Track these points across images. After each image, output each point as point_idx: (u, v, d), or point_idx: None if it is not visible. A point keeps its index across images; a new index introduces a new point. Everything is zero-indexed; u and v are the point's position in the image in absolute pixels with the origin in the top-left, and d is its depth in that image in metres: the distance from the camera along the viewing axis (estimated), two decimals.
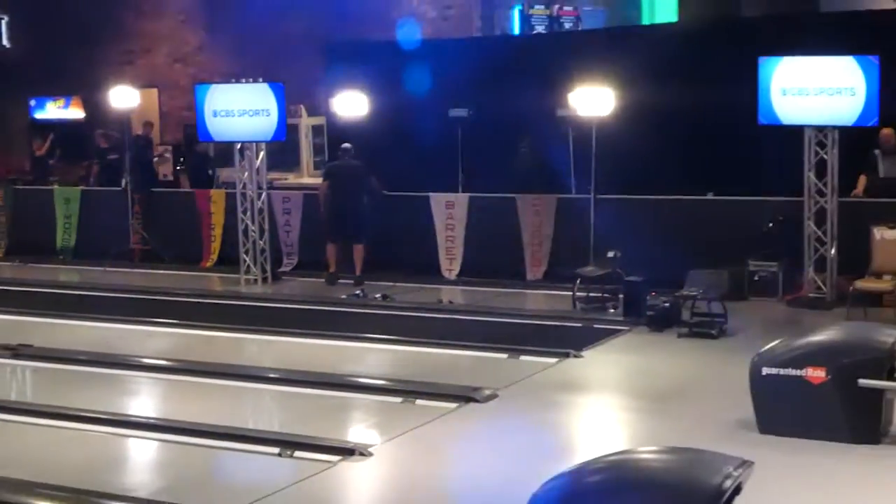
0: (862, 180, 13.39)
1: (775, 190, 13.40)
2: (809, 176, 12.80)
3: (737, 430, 8.32)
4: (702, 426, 8.43)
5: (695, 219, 13.73)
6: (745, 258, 13.11)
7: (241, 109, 15.04)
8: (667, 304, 11.75)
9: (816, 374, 8.08)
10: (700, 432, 8.10)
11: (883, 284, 11.76)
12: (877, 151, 13.39)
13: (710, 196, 14.38)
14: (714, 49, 15.78)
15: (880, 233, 12.03)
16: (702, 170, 14.88)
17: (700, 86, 15.14)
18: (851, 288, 11.89)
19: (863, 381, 7.97)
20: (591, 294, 13.04)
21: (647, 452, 6.06)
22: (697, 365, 10.60)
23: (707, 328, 11.46)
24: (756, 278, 13.05)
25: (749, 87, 12.89)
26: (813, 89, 12.59)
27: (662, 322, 11.69)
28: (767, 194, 13.50)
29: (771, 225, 13.23)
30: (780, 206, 13.28)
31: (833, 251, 12.67)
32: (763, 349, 8.45)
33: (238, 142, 15.32)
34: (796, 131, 12.86)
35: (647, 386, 10.08)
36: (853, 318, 11.10)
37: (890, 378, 8.09)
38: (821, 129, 12.75)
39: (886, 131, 13.16)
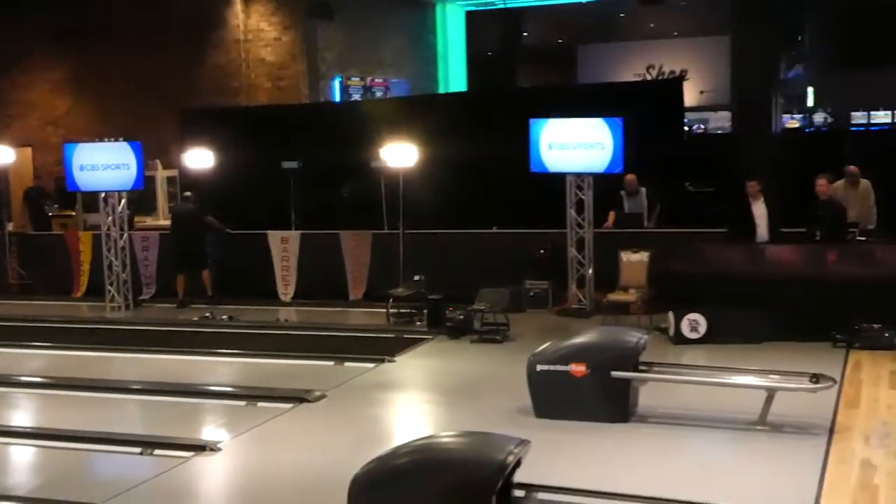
0: (611, 215, 13.79)
1: (545, 224, 13.69)
2: (571, 212, 13.11)
3: (518, 416, 8.45)
4: (490, 413, 8.53)
5: (482, 248, 13.90)
6: (523, 278, 13.32)
7: (104, 164, 14.51)
8: (462, 317, 11.86)
9: (579, 368, 8.30)
10: (489, 419, 8.18)
11: (629, 297, 12.11)
12: (622, 192, 13.81)
13: (494, 229, 14.61)
14: (495, 113, 16.13)
15: (626, 256, 12.41)
16: (488, 209, 15.14)
17: (485, 142, 15.48)
18: (605, 300, 12.22)
19: (615, 373, 8.22)
20: (402, 310, 13.04)
21: (446, 437, 6.11)
22: (486, 365, 10.70)
23: (493, 335, 11.61)
24: (531, 294, 13.28)
25: (523, 143, 13.14)
26: (572, 144, 12.91)
27: (459, 331, 11.80)
28: (539, 227, 13.77)
29: (542, 251, 13.53)
30: (550, 237, 13.55)
31: (590, 271, 12.99)
32: (537, 350, 8.61)
33: (102, 191, 14.79)
34: (560, 177, 13.17)
35: (447, 383, 10.14)
36: (607, 324, 11.39)
37: (636, 370, 8.37)
38: (579, 176, 13.08)
39: (630, 177, 13.60)
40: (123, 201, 14.89)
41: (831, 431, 7.82)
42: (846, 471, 7.00)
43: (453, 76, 25.84)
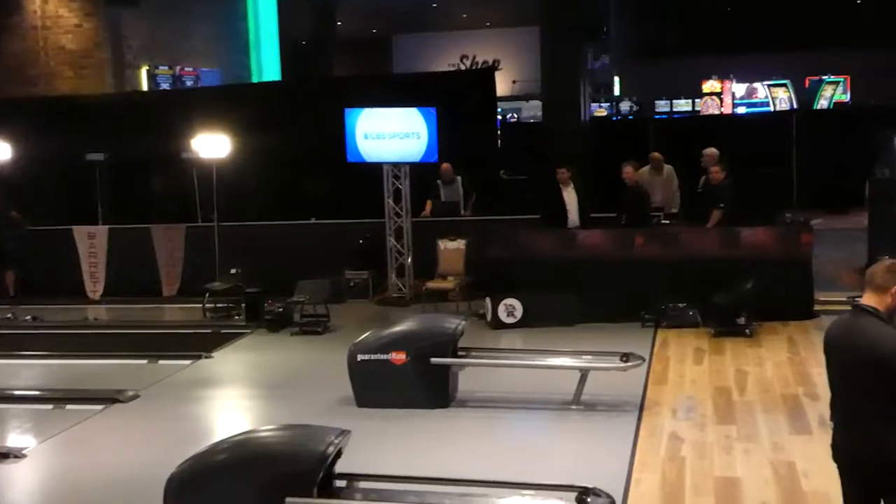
0: (428, 204, 13.93)
1: (363, 214, 13.70)
2: (388, 202, 13.17)
3: (339, 406, 8.44)
4: (311, 406, 8.48)
5: (301, 239, 13.76)
6: (343, 268, 13.30)
7: None
8: (281, 309, 11.73)
9: (399, 356, 8.36)
10: (309, 411, 8.13)
11: (447, 284, 12.29)
12: (439, 181, 13.97)
13: (312, 220, 14.51)
14: (311, 102, 15.98)
15: (443, 244, 12.58)
16: (306, 199, 15.03)
17: (301, 131, 15.34)
18: (424, 288, 12.35)
19: (434, 360, 8.33)
20: (219, 305, 12.79)
21: (266, 430, 6.04)
22: (307, 357, 10.64)
23: (314, 327, 11.54)
24: (352, 284, 13.27)
25: (339, 133, 13.09)
26: (388, 134, 12.95)
27: (278, 324, 11.67)
28: (357, 217, 13.77)
29: (361, 241, 13.54)
30: (368, 227, 13.57)
31: (409, 260, 13.09)
32: (357, 340, 8.62)
33: None
34: (377, 167, 13.20)
35: (267, 377, 10.02)
36: (427, 312, 11.52)
37: (454, 356, 8.50)
38: (396, 165, 13.16)
39: (445, 166, 13.76)
40: None
41: (641, 407, 8.18)
42: (655, 444, 7.33)
43: (266, 65, 25.46)
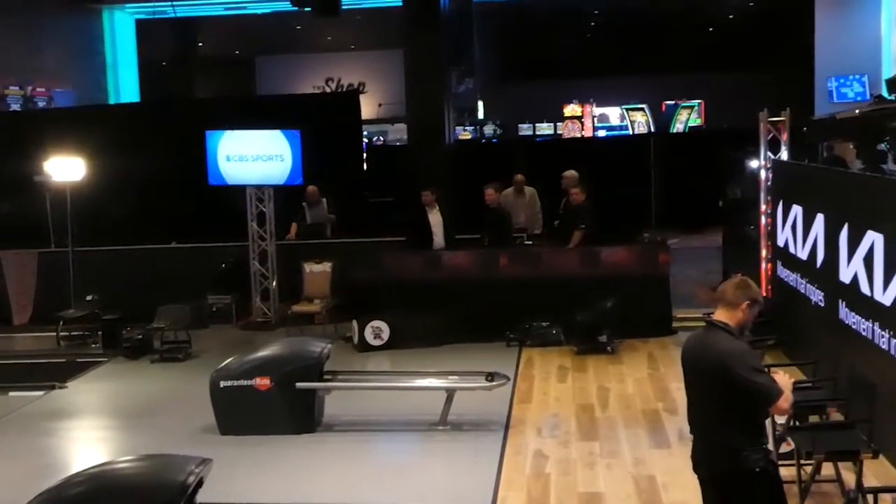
0: (294, 227, 13.80)
1: (226, 237, 13.48)
2: (252, 225, 13.01)
3: (202, 434, 8.26)
4: (172, 434, 8.27)
5: (161, 264, 13.42)
6: (205, 293, 13.04)
7: None
8: (140, 336, 11.42)
9: (263, 382, 8.24)
10: (170, 440, 7.94)
11: (313, 307, 12.17)
12: (304, 204, 13.84)
13: (173, 244, 14.18)
14: (171, 124, 15.66)
15: (309, 267, 12.46)
16: (166, 222, 14.68)
17: (161, 154, 14.98)
18: (289, 312, 12.21)
19: (300, 384, 8.24)
20: (74, 332, 12.34)
21: (123, 462, 5.84)
22: (168, 385, 10.37)
23: (175, 353, 11.28)
24: (214, 309, 13.01)
25: (200, 155, 12.86)
26: (251, 156, 12.80)
27: (137, 351, 11.35)
28: (220, 241, 13.53)
29: (224, 265, 13.31)
30: (231, 250, 13.35)
31: (274, 284, 12.94)
32: (220, 366, 8.46)
33: None
34: (240, 189, 13.02)
35: (125, 406, 9.72)
36: (292, 335, 11.38)
37: (320, 380, 8.43)
38: (259, 188, 13.01)
39: (311, 188, 13.65)
40: None
41: (507, 426, 8.27)
42: (521, 462, 7.43)
43: (125, 86, 24.83)
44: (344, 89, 30.73)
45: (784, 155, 11.01)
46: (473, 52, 27.64)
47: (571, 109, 28.28)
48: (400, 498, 6.63)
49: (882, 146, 9.89)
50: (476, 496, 6.72)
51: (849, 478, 6.08)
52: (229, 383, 8.27)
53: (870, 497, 5.35)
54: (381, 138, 28.79)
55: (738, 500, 4.69)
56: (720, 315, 4.75)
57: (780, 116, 11.10)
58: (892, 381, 6.68)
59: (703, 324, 4.90)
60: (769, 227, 10.98)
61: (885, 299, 6.84)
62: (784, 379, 4.71)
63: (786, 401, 4.58)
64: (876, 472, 6.48)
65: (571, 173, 12.50)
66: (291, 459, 7.74)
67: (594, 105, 28.19)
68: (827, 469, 6.22)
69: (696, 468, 4.88)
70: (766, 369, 4.89)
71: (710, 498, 4.87)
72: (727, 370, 4.56)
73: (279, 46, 30.99)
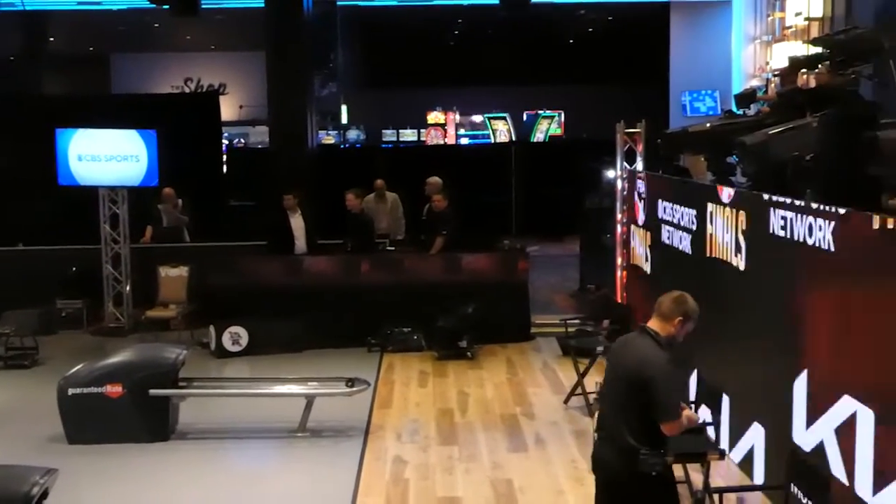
0: (149, 230, 13.45)
1: (77, 240, 13.03)
2: (105, 227, 12.62)
3: (48, 444, 7.95)
4: (16, 444, 7.93)
5: (6, 266, 12.87)
6: (54, 298, 12.57)
7: None
8: None
9: (115, 389, 8.01)
10: (14, 450, 7.60)
11: (168, 313, 11.88)
12: (160, 206, 13.53)
13: (20, 246, 13.62)
14: (18, 121, 15.05)
15: (165, 271, 12.17)
16: (11, 224, 14.09)
17: (6, 152, 14.41)
18: (143, 317, 11.89)
19: (153, 391, 8.04)
20: None
21: None
22: (13, 393, 9.92)
23: (21, 360, 10.81)
24: (64, 314, 12.55)
25: (50, 154, 12.39)
26: (105, 156, 12.40)
27: None
28: (71, 243, 13.08)
29: (74, 269, 12.85)
30: (82, 253, 12.90)
31: (128, 288, 12.58)
32: (68, 373, 8.17)
33: None
34: (93, 190, 12.62)
35: None
36: (146, 341, 11.07)
37: (175, 386, 8.23)
38: (113, 189, 12.63)
39: (167, 190, 13.34)
40: None
41: (367, 432, 8.26)
42: (380, 468, 7.42)
43: None
44: (204, 90, 30.15)
45: (639, 165, 11.36)
46: (337, 57, 27.58)
47: (435, 116, 28.49)
48: None
49: (731, 159, 10.28)
50: (334, 503, 6.67)
51: (697, 479, 6.30)
52: (78, 391, 7.99)
53: (716, 497, 5.57)
54: (243, 140, 28.38)
55: (631, 502, 4.81)
56: (653, 324, 4.87)
57: (636, 128, 11.45)
58: (736, 385, 6.97)
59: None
60: (624, 236, 11.31)
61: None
62: (690, 413, 4.90)
63: (679, 427, 4.72)
64: (722, 472, 6.74)
65: (435, 180, 12.59)
66: (143, 468, 7.53)
67: (457, 112, 28.47)
68: (676, 470, 6.42)
69: (595, 469, 4.97)
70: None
71: (603, 500, 4.97)
72: (642, 374, 4.67)
73: (136, 44, 30.15)
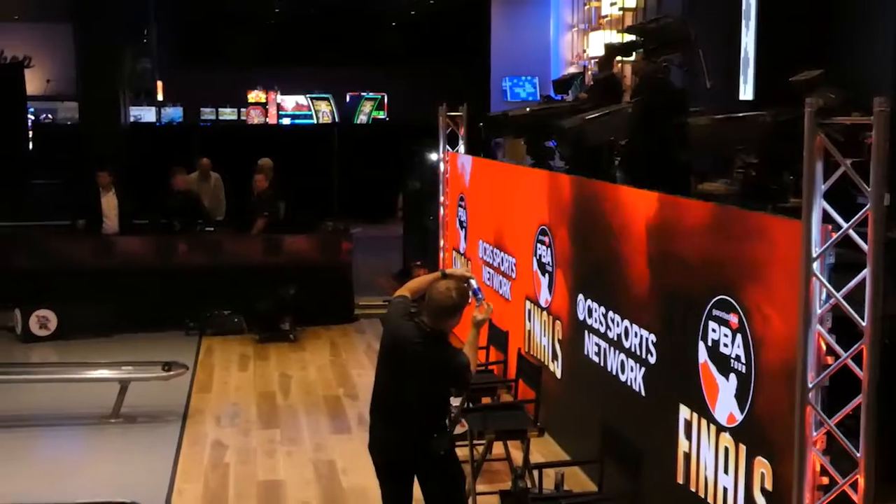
0: None
1: None
2: None
3: None
4: None
5: None
6: None
7: None
8: None
9: None
10: None
11: None
12: None
13: None
14: None
15: None
16: None
17: None
18: None
19: None
20: None
21: None
22: None
23: None
24: None
25: None
26: None
27: None
28: None
29: None
30: None
31: None
32: None
33: None
34: None
35: None
36: None
37: None
38: None
39: None
40: None
41: (185, 417, 8.07)
42: (199, 453, 7.27)
43: None
44: (7, 62, 28.58)
45: (462, 148, 11.50)
46: (152, 32, 26.68)
47: (256, 95, 28.00)
48: (68, 495, 6.27)
49: (550, 143, 10.55)
50: (150, 490, 6.49)
51: (517, 455, 6.46)
52: None
53: (536, 473, 5.72)
54: (50, 116, 27.08)
55: (420, 477, 4.87)
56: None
57: (458, 111, 11.57)
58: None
59: (383, 311, 5.02)
60: (446, 219, 11.43)
61: (543, 298, 7.36)
62: None
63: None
64: (542, 449, 6.93)
65: (266, 161, 12.38)
66: None
67: (279, 92, 28.07)
68: (498, 448, 6.57)
69: (377, 453, 4.98)
70: None
71: (389, 480, 4.99)
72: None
73: None
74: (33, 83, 21.47)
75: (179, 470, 6.91)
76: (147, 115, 26.37)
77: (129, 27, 19.79)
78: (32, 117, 21.95)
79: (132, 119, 25.39)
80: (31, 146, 17.59)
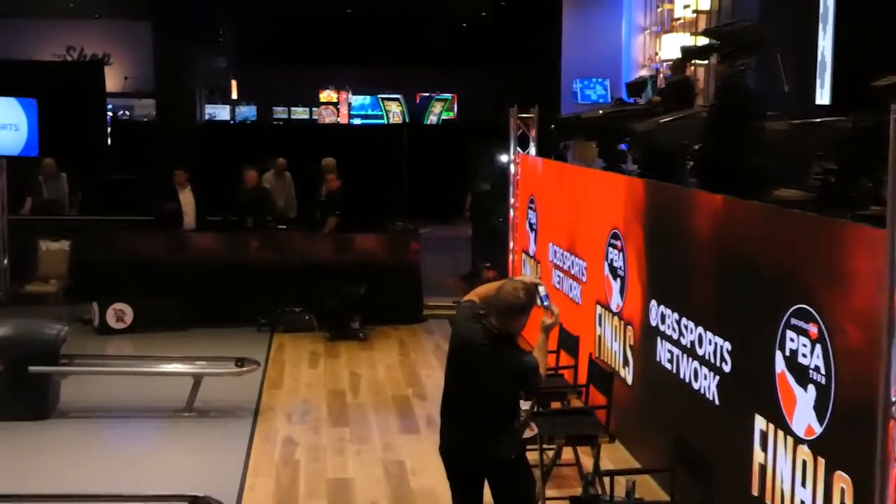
0: (28, 202, 12.98)
1: None
2: None
3: None
4: None
5: None
6: None
7: None
8: None
9: None
10: None
11: (49, 288, 11.51)
12: (40, 177, 13.06)
13: None
14: None
15: (45, 245, 11.78)
16: None
17: None
18: (22, 291, 11.48)
19: (33, 368, 7.76)
20: None
21: None
22: None
23: None
24: None
25: None
26: None
27: None
28: None
29: None
30: None
31: (5, 261, 12.10)
32: None
33: None
34: None
35: None
36: (24, 316, 10.67)
37: (56, 363, 7.96)
38: None
39: (48, 161, 12.91)
40: None
41: (256, 412, 8.15)
42: (270, 448, 7.33)
43: None
44: (87, 59, 29.20)
45: (532, 150, 11.45)
46: (228, 31, 27.06)
47: (327, 95, 28.26)
48: (142, 487, 6.36)
49: (622, 146, 10.46)
50: (223, 484, 6.55)
51: (587, 462, 6.40)
52: None
53: (606, 480, 5.67)
54: (128, 113, 27.62)
55: (490, 482, 4.85)
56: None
57: (529, 113, 11.53)
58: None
59: (451, 312, 5.00)
60: (516, 220, 11.40)
61: (615, 303, 7.29)
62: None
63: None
64: (611, 455, 6.87)
65: (330, 160, 12.46)
66: (21, 447, 7.28)
67: (350, 92, 28.29)
68: (567, 453, 6.52)
69: (447, 456, 4.96)
70: None
71: (460, 482, 4.98)
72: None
73: (13, 9, 29.00)
74: (111, 80, 21.88)
75: (251, 465, 6.97)
76: (222, 113, 26.77)
77: (205, 26, 20.10)
78: (110, 114, 22.38)
79: (207, 117, 25.83)
80: (109, 142, 17.91)
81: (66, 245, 11.71)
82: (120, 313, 10.70)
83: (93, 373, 8.41)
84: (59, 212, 13.01)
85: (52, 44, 29.62)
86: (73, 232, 11.91)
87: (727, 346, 5.58)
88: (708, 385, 5.82)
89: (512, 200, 11.53)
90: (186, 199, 11.86)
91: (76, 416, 7.97)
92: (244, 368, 8.19)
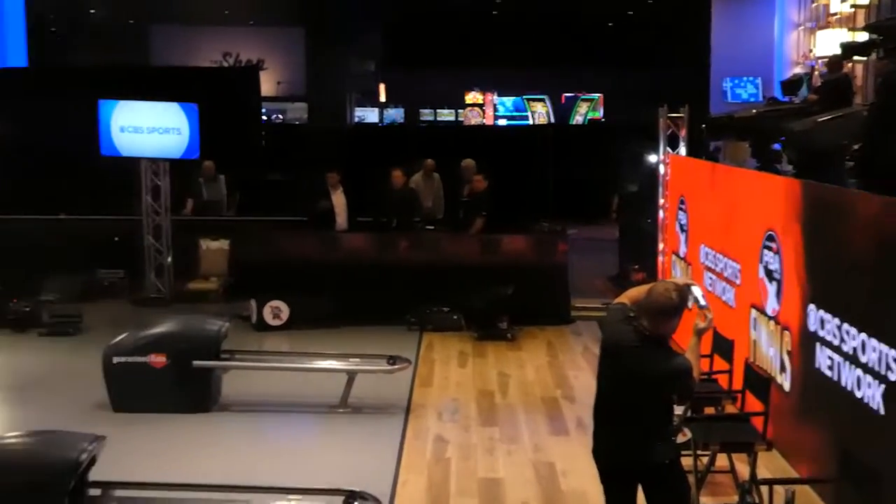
0: (190, 203, 13.50)
1: (119, 210, 13.11)
2: (147, 199, 12.65)
3: (93, 411, 8.01)
4: (62, 410, 7.98)
5: (49, 236, 12.85)
6: (96, 267, 12.64)
7: None
8: (27, 309, 10.98)
9: (158, 359, 8.05)
10: (60, 416, 7.62)
11: (209, 285, 11.95)
12: (201, 179, 13.54)
13: (61, 216, 13.68)
14: (61, 91, 15.12)
15: (206, 244, 12.24)
16: (53, 194, 14.16)
17: (49, 122, 14.49)
18: (185, 289, 11.95)
19: (197, 363, 8.07)
20: None
21: (11, 437, 5.64)
22: (57, 359, 9.99)
23: (64, 327, 10.88)
24: (106, 283, 12.63)
25: (92, 125, 12.43)
26: (146, 128, 12.40)
27: (24, 324, 10.90)
28: (113, 214, 13.15)
29: (117, 239, 12.92)
30: (124, 224, 12.98)
31: (169, 259, 12.62)
32: (113, 341, 8.21)
33: None
34: (134, 162, 12.65)
35: (12, 381, 9.31)
36: (187, 313, 11.08)
37: (217, 358, 8.26)
38: (154, 161, 12.65)
39: (208, 163, 13.38)
40: None
41: (408, 410, 8.26)
42: (421, 446, 7.42)
43: (11, 51, 23.91)
44: (242, 64, 30.20)
45: (682, 151, 11.25)
46: (377, 36, 27.51)
47: (473, 97, 28.41)
48: (298, 480, 6.52)
49: (776, 146, 10.16)
50: (376, 479, 6.65)
51: (742, 469, 6.24)
52: (123, 359, 8.04)
53: (764, 489, 5.51)
54: (281, 116, 28.42)
55: (644, 486, 4.79)
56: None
57: (678, 113, 11.32)
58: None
59: (600, 314, 4.95)
60: (666, 221, 11.21)
61: (770, 307, 7.07)
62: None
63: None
64: (767, 463, 6.67)
65: (469, 162, 12.53)
66: (186, 438, 7.57)
67: (496, 94, 28.36)
68: (721, 460, 6.37)
69: (599, 460, 4.92)
70: None
71: (614, 486, 4.92)
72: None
73: (175, 16, 30.24)
74: (265, 84, 22.54)
75: (403, 462, 7.07)
76: (370, 115, 27.22)
77: (354, 31, 20.49)
78: (264, 118, 23.07)
79: (356, 119, 26.34)
80: (264, 144, 18.46)
81: (225, 244, 12.15)
82: (276, 310, 11.01)
83: (252, 368, 8.68)
84: (219, 212, 13.49)
85: (209, 49, 30.77)
86: (232, 231, 12.33)
87: (893, 353, 5.35)
88: (872, 394, 5.59)
89: (661, 201, 11.34)
90: (339, 200, 12.13)
91: (236, 410, 8.24)
92: (396, 366, 8.31)
